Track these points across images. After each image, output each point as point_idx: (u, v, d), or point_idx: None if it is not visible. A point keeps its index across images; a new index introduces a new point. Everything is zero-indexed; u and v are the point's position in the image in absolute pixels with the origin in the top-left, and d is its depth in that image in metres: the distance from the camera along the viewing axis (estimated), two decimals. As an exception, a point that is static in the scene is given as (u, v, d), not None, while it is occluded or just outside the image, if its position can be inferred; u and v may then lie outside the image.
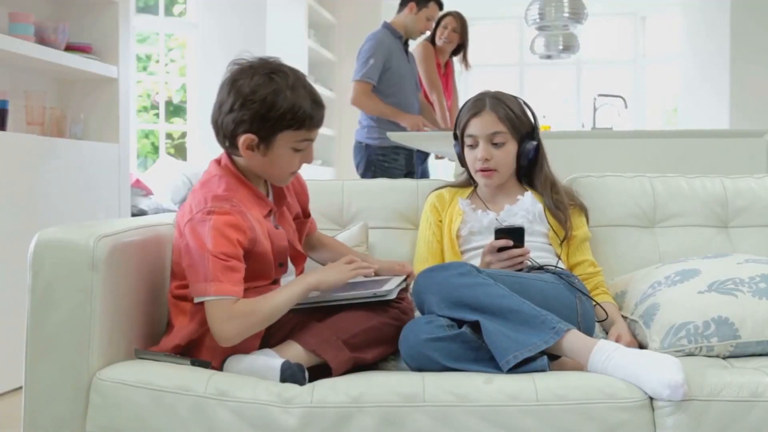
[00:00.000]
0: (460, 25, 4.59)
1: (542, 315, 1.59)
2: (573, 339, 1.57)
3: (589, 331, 1.80)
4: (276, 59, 1.72)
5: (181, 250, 1.68)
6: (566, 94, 7.79)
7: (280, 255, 1.76)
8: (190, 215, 1.65)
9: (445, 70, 4.75)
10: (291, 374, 1.53)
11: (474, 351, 1.60)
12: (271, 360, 1.57)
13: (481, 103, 2.02)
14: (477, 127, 2.01)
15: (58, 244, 1.57)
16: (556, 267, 1.92)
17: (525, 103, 2.06)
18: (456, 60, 4.81)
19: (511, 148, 2.01)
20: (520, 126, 2.02)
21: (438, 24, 4.57)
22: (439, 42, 4.61)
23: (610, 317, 1.89)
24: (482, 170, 2.01)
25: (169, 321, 1.75)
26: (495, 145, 2.00)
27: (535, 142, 2.02)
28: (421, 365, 1.60)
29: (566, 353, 1.58)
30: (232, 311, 1.58)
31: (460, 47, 4.66)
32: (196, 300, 1.62)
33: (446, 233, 2.05)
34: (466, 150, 2.05)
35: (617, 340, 1.77)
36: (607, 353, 1.52)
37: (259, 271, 1.72)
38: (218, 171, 1.74)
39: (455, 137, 2.11)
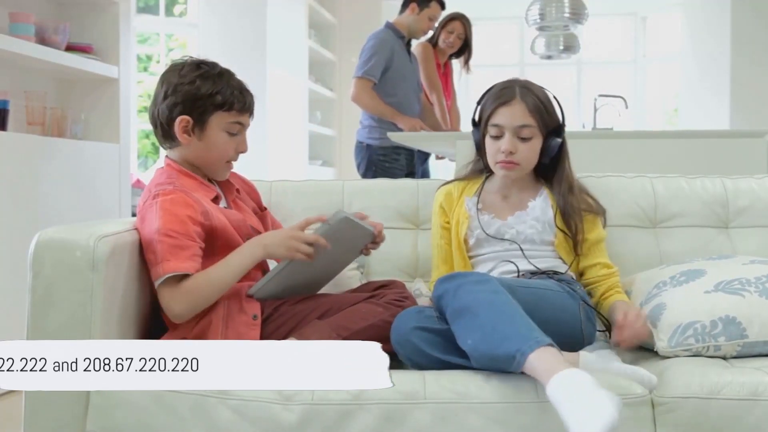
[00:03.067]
0: (466, 31, 4.58)
1: (519, 332, 1.50)
2: (535, 363, 1.44)
3: (590, 338, 1.80)
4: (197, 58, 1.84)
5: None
6: (567, 94, 7.79)
7: (241, 228, 1.79)
8: (139, 207, 1.73)
9: (444, 70, 4.74)
10: None
11: (459, 348, 1.59)
12: None
13: (511, 91, 1.91)
14: (505, 117, 1.90)
15: (58, 244, 1.57)
16: (559, 273, 1.89)
17: (554, 96, 1.97)
18: (455, 61, 4.81)
19: (537, 143, 1.91)
20: (548, 120, 1.92)
21: (444, 27, 4.56)
22: (442, 45, 4.60)
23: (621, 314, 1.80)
24: (504, 162, 1.91)
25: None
26: (521, 138, 1.90)
27: (560, 140, 1.93)
28: (408, 353, 1.61)
29: (529, 373, 1.47)
30: (178, 288, 1.63)
31: (462, 50, 4.67)
32: (156, 285, 1.65)
33: (454, 237, 2.00)
34: (489, 140, 1.94)
35: (624, 317, 1.75)
36: (557, 384, 1.40)
37: (228, 248, 1.73)
38: (161, 170, 1.82)
39: (474, 124, 2.02)
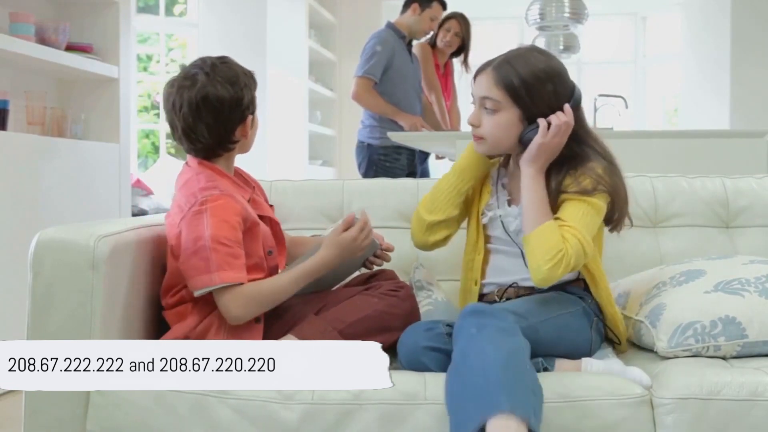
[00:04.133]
0: (463, 29, 4.60)
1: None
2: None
3: (595, 351, 1.78)
4: (197, 61, 1.78)
5: (176, 253, 1.69)
6: (567, 94, 7.77)
7: (266, 240, 1.78)
8: (182, 214, 1.67)
9: (444, 70, 4.75)
10: None
11: None
12: None
13: (492, 60, 1.74)
14: (475, 86, 1.75)
15: (58, 244, 1.57)
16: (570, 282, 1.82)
17: (552, 73, 1.70)
18: (456, 61, 4.81)
19: (504, 117, 1.70)
20: (527, 97, 1.68)
21: (441, 25, 4.57)
22: (440, 44, 4.62)
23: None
24: (473, 135, 1.78)
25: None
26: (487, 110, 1.72)
27: (543, 122, 1.67)
28: (416, 370, 1.60)
29: None
30: (238, 293, 1.63)
31: (461, 50, 4.67)
32: (198, 293, 1.63)
33: (474, 204, 1.89)
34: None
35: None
36: None
37: (254, 256, 1.73)
38: (193, 170, 1.76)
39: None
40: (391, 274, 1.91)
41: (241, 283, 1.63)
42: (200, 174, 1.73)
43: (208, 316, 1.69)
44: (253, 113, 1.78)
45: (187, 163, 1.81)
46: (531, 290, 1.78)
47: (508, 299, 1.79)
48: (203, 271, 1.61)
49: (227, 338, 1.66)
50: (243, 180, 1.88)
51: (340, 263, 1.74)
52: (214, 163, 1.77)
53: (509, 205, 1.83)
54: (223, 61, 1.76)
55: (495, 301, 1.81)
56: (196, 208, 1.65)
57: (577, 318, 1.74)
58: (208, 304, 1.68)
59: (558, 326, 1.68)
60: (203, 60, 1.75)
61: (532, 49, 1.75)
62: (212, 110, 1.70)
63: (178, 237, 1.67)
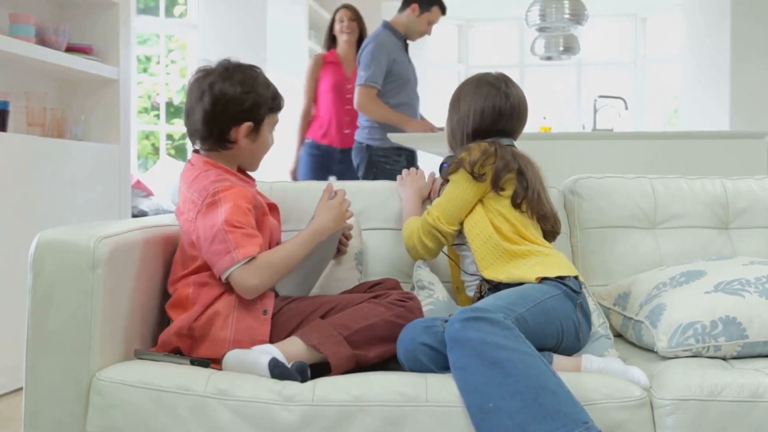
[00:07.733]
0: (354, 13, 4.64)
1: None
2: None
3: (585, 338, 1.80)
4: (228, 59, 1.87)
5: (189, 243, 1.75)
6: (567, 95, 7.79)
7: (274, 232, 1.85)
8: (197, 208, 1.73)
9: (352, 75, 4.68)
10: (280, 372, 1.53)
11: None
12: (261, 356, 1.57)
13: None
14: None
15: (58, 245, 1.58)
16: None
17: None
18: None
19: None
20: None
21: (333, 24, 4.67)
22: (342, 37, 4.62)
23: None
24: None
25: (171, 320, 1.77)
26: None
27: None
28: (415, 367, 1.61)
29: None
30: (253, 264, 1.69)
31: (362, 35, 4.65)
32: (225, 275, 1.68)
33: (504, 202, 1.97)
34: None
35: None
36: None
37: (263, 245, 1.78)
38: (200, 168, 1.82)
39: None
40: (394, 283, 1.92)
41: (254, 257, 1.70)
42: (208, 171, 1.80)
43: (212, 306, 1.70)
44: (254, 122, 1.82)
45: (190, 161, 1.86)
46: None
47: (484, 294, 1.88)
48: (224, 252, 1.68)
49: (235, 329, 1.68)
50: (247, 177, 1.93)
51: (334, 228, 1.84)
52: (217, 161, 1.83)
53: None
54: (251, 67, 1.86)
55: (479, 298, 1.87)
56: (209, 200, 1.72)
57: (561, 301, 1.76)
58: (209, 294, 1.71)
59: (546, 311, 1.70)
60: (230, 60, 1.85)
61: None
62: (211, 99, 1.79)
63: (197, 230, 1.73)
